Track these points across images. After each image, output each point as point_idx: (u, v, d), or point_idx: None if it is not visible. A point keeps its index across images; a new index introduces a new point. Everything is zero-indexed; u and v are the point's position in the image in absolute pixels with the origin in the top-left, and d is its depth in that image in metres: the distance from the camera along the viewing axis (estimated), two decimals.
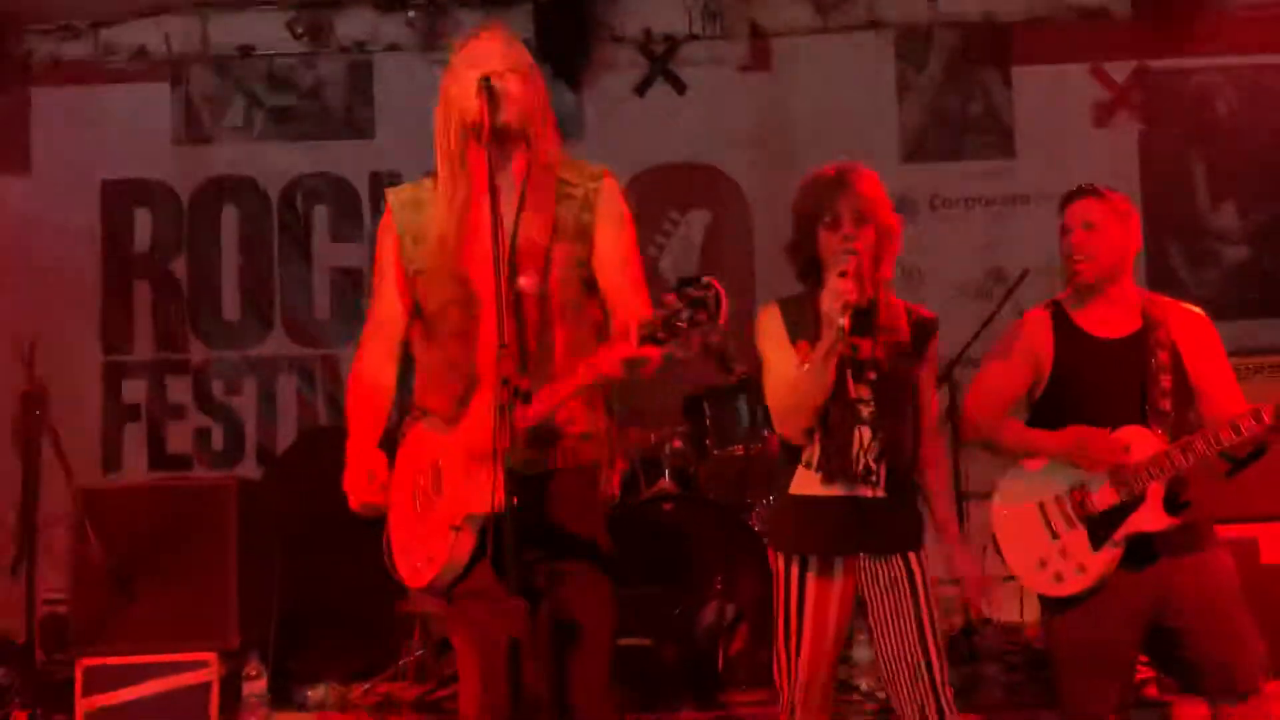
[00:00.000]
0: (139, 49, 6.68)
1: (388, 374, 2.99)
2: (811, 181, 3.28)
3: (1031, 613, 4.47)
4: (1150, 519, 3.37)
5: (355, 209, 6.76)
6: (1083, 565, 3.41)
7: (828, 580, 3.16)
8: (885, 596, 3.16)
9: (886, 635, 3.16)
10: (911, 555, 3.18)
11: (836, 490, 3.14)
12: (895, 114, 6.62)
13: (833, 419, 3.14)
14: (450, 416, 2.82)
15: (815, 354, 3.07)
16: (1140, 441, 3.40)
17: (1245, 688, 3.36)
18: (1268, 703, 3.44)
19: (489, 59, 2.85)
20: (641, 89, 6.65)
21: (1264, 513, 4.48)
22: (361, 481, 2.83)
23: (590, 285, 2.91)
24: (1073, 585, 3.41)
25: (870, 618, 3.19)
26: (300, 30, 6.67)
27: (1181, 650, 3.40)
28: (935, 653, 3.14)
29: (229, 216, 6.80)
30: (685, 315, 2.46)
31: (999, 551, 3.55)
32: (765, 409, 4.94)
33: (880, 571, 3.16)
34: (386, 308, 2.97)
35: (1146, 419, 3.42)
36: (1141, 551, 3.39)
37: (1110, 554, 3.38)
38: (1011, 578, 3.60)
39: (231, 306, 6.78)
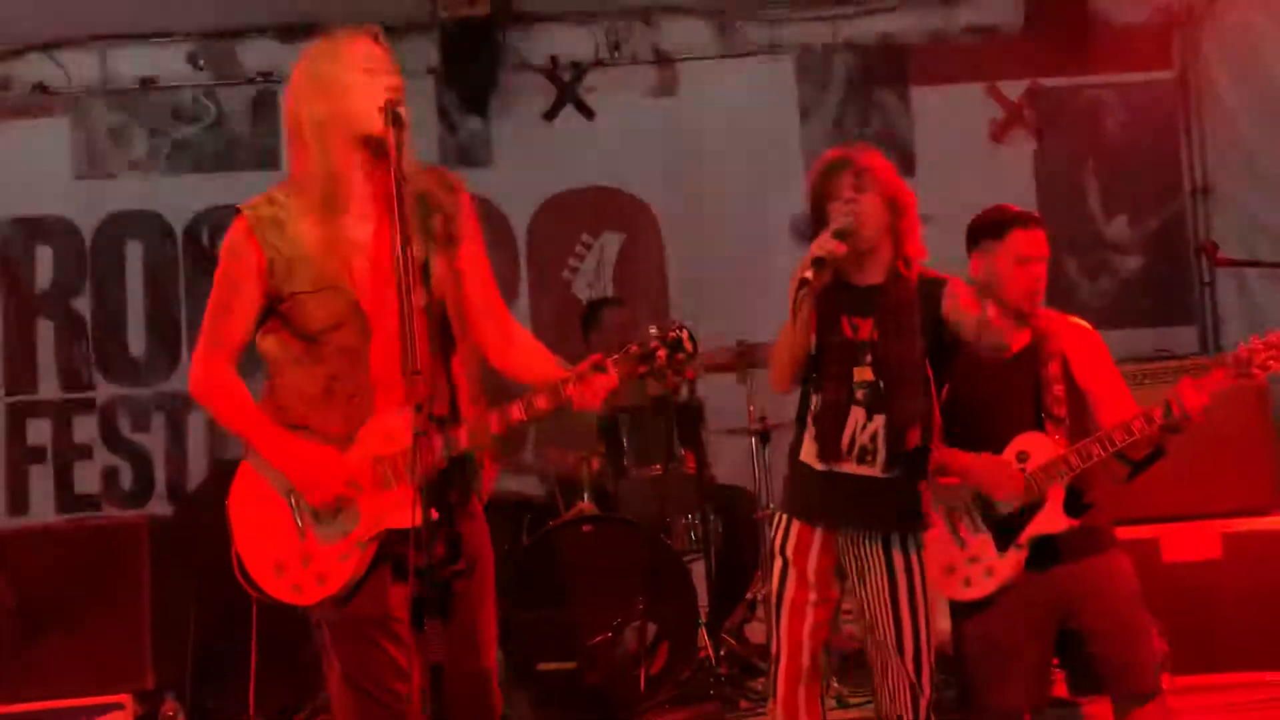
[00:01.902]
0: (36, 84, 6.57)
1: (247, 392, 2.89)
2: (816, 165, 3.38)
3: (943, 620, 4.55)
4: (1051, 521, 3.48)
5: None
6: (990, 569, 3.51)
7: (808, 536, 3.26)
8: (866, 578, 3.24)
9: (867, 618, 3.26)
10: (896, 540, 3.24)
11: (829, 465, 3.22)
12: (798, 134, 6.74)
13: (827, 396, 3.22)
14: (341, 435, 2.79)
15: (795, 308, 3.13)
16: (1038, 447, 3.52)
17: (1145, 688, 3.48)
18: (1169, 700, 3.56)
19: (388, 74, 2.79)
20: (550, 115, 6.70)
21: (1165, 513, 4.61)
22: (336, 474, 2.75)
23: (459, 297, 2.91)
24: (981, 589, 3.51)
25: (851, 594, 3.29)
26: (202, 62, 6.61)
27: (1084, 652, 3.51)
28: (911, 645, 3.21)
29: (133, 251, 6.70)
30: (665, 355, 2.71)
31: None
32: (682, 428, 5.03)
33: (863, 550, 3.24)
34: (236, 328, 2.84)
35: (1043, 426, 3.55)
36: (1044, 554, 3.50)
37: (1015, 557, 3.49)
38: None
39: (137, 342, 6.67)
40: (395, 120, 2.74)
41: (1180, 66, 6.70)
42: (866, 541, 3.24)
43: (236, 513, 2.85)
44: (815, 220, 3.31)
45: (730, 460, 5.34)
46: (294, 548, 2.80)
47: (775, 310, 6.49)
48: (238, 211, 2.87)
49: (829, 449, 3.21)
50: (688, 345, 2.73)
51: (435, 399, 2.69)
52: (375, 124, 2.75)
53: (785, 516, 3.33)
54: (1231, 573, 4.54)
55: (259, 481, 2.84)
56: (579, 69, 6.71)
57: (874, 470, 3.20)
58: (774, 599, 3.32)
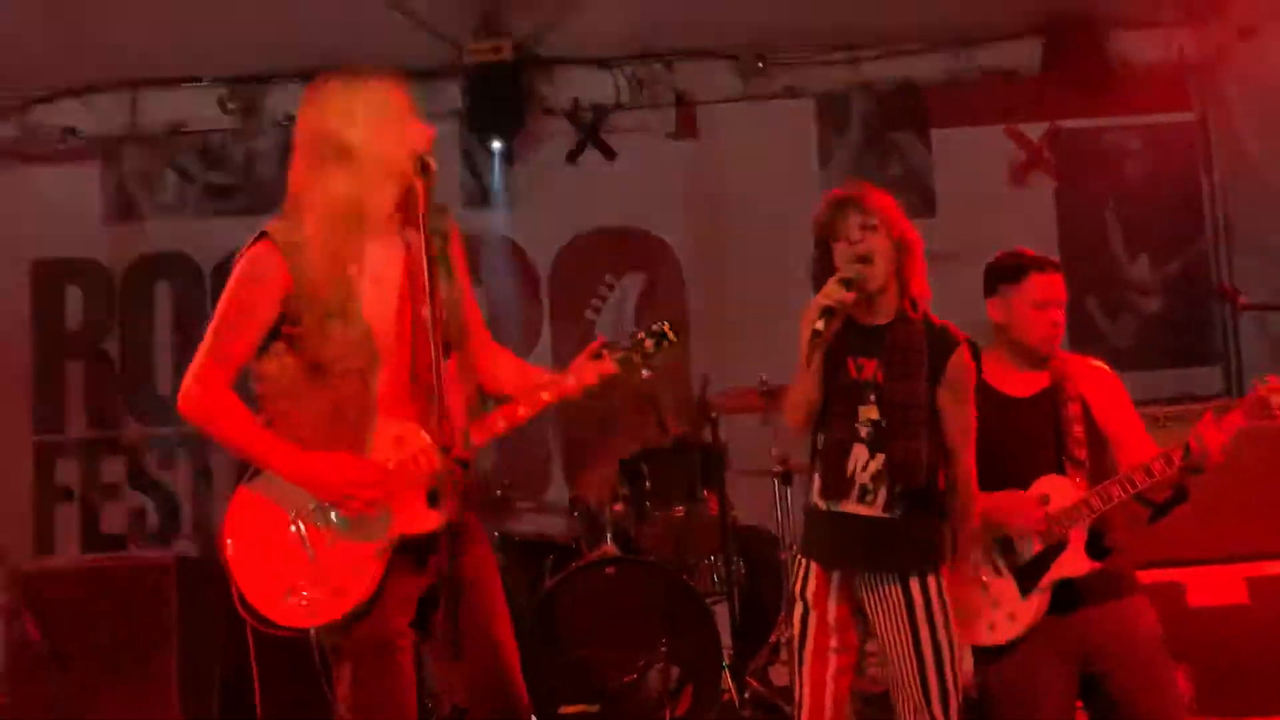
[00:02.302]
0: (68, 129, 6.68)
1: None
2: (823, 203, 3.30)
3: (967, 664, 4.54)
4: (1073, 564, 3.48)
5: None
6: (1013, 614, 3.50)
7: (825, 580, 3.23)
8: (884, 621, 3.17)
9: (890, 661, 3.18)
10: (913, 581, 3.15)
11: (833, 505, 3.20)
12: (818, 177, 6.78)
13: (831, 435, 3.20)
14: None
15: (806, 355, 3.13)
16: (1059, 490, 3.53)
17: None
18: None
19: (423, 122, 2.91)
20: (573, 157, 6.76)
21: (1190, 557, 4.59)
22: (366, 476, 2.80)
23: (459, 330, 3.01)
24: (1004, 633, 3.50)
25: (873, 634, 3.23)
26: (231, 106, 6.71)
27: (1108, 696, 3.49)
28: (937, 687, 3.14)
29: (162, 293, 6.79)
30: (651, 342, 2.96)
31: None
32: (704, 469, 5.05)
33: (879, 593, 3.18)
34: (243, 347, 2.86)
35: (1064, 468, 3.55)
36: (1067, 598, 3.49)
37: (1038, 601, 3.48)
38: None
39: (165, 383, 6.73)
40: (424, 169, 2.84)
41: (1200, 108, 6.73)
42: (883, 584, 3.18)
43: (235, 546, 2.86)
44: (820, 258, 3.26)
45: (753, 502, 5.34)
46: (303, 569, 2.83)
47: (795, 351, 6.58)
48: (263, 234, 2.90)
49: (829, 486, 3.19)
50: (670, 336, 3.05)
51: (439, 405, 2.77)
52: (407, 165, 2.85)
53: (804, 560, 3.30)
54: (1257, 617, 4.50)
55: (256, 510, 2.87)
56: (601, 111, 6.78)
57: (875, 510, 3.16)
58: (796, 644, 3.29)
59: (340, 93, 2.92)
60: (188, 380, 2.90)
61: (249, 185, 6.80)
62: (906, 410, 3.15)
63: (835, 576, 3.22)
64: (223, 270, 6.57)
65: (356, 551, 2.82)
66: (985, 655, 3.54)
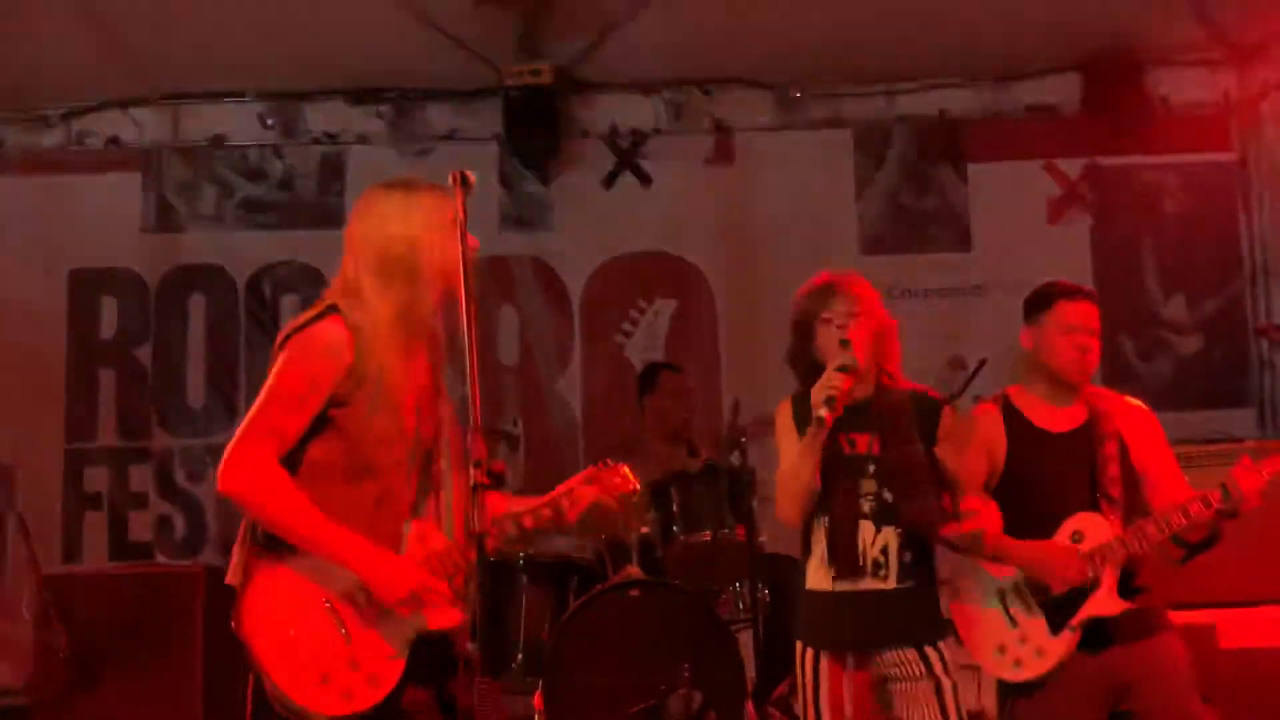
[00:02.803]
0: (111, 139, 6.76)
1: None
2: (806, 290, 3.45)
3: (989, 699, 4.50)
4: (1105, 604, 3.45)
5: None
6: (1041, 650, 3.47)
7: (840, 669, 3.23)
8: (905, 690, 3.21)
9: None
10: (929, 650, 3.23)
11: (845, 585, 3.23)
12: (854, 207, 6.79)
13: (836, 515, 3.25)
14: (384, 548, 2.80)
15: (802, 441, 3.23)
16: (1093, 528, 3.50)
17: None
18: None
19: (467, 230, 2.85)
20: (609, 181, 6.78)
21: (1222, 598, 4.55)
22: (412, 573, 2.77)
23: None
24: (1032, 670, 3.47)
25: (895, 710, 3.23)
26: (271, 122, 6.77)
27: None
28: None
29: (196, 304, 6.83)
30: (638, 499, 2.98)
31: (958, 638, 3.60)
32: (732, 495, 5.03)
33: (898, 664, 3.22)
34: (298, 424, 2.75)
35: (1098, 506, 3.52)
36: (1098, 636, 3.46)
37: (1068, 639, 3.45)
38: (971, 665, 3.65)
39: (196, 394, 6.78)
40: (464, 182, 2.81)
41: (1241, 148, 6.70)
42: (904, 657, 3.23)
43: (262, 633, 2.73)
44: (799, 339, 3.42)
45: (780, 529, 5.31)
46: (340, 654, 2.74)
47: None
48: (332, 308, 2.83)
49: (847, 566, 3.23)
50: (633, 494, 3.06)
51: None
52: (456, 278, 2.78)
53: (812, 653, 3.30)
54: None
55: (282, 595, 2.75)
56: (638, 136, 6.81)
57: (889, 583, 3.23)
58: None
59: (411, 198, 2.93)
60: (234, 453, 2.73)
61: (285, 200, 6.85)
62: (909, 473, 3.25)
63: (850, 661, 3.23)
64: (256, 283, 6.78)
65: (388, 639, 2.79)
66: (1013, 690, 3.51)
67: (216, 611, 4.75)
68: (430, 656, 2.83)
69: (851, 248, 6.74)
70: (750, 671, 4.89)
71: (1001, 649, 3.51)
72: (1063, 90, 6.70)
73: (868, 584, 3.21)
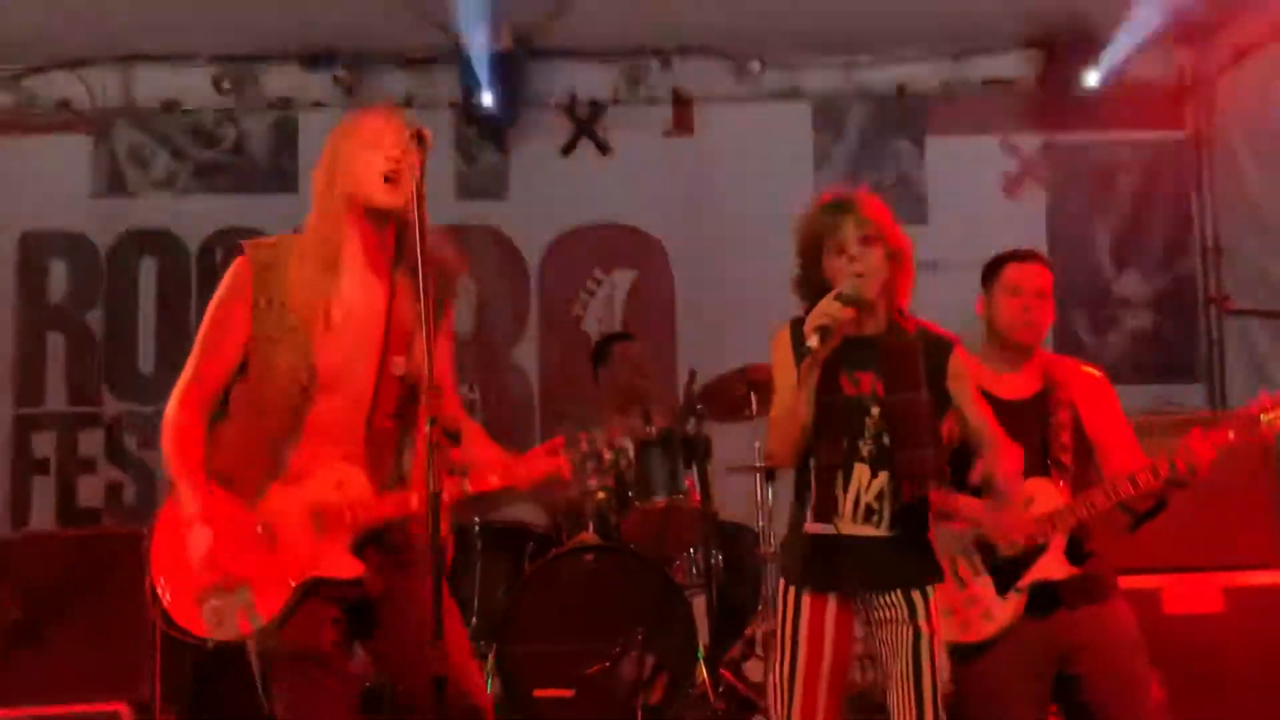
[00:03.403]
0: (62, 101, 6.65)
1: (203, 433, 2.96)
2: (815, 208, 3.15)
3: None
4: (1053, 568, 3.49)
5: None
6: (989, 612, 3.51)
7: (822, 605, 3.08)
8: (885, 632, 3.07)
9: (887, 677, 3.08)
10: (915, 593, 3.07)
11: (834, 529, 3.05)
12: (813, 179, 6.78)
13: (826, 458, 3.05)
14: (254, 492, 2.88)
15: (798, 374, 3.01)
16: (1044, 494, 3.54)
17: None
18: None
19: (386, 144, 2.94)
20: (567, 150, 6.76)
21: (1167, 564, 4.61)
22: (208, 568, 2.84)
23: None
24: (980, 631, 3.51)
25: (870, 654, 3.20)
26: (225, 85, 6.68)
27: (1083, 697, 3.50)
28: (931, 708, 3.03)
29: (147, 269, 6.75)
30: (610, 455, 2.92)
31: None
32: (687, 462, 5.05)
33: (880, 607, 3.08)
34: (217, 368, 2.93)
35: (1049, 473, 3.56)
36: (1045, 600, 3.50)
37: (1015, 601, 3.49)
38: None
39: (147, 359, 6.71)
40: (419, 139, 2.85)
41: (1194, 126, 6.77)
42: (888, 602, 3.07)
43: (159, 552, 2.96)
44: (807, 265, 3.13)
45: (735, 497, 5.34)
46: (212, 578, 2.88)
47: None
48: (241, 249, 2.96)
49: (830, 509, 3.05)
50: (629, 455, 2.99)
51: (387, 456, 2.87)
52: (375, 196, 2.90)
53: (793, 589, 3.12)
54: (1232, 626, 4.53)
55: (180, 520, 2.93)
56: (597, 106, 6.78)
57: (881, 530, 3.06)
58: (785, 677, 3.09)
59: (330, 135, 3.03)
60: (172, 393, 2.97)
61: (239, 165, 6.78)
62: (911, 421, 3.05)
63: (832, 601, 3.08)
64: (208, 248, 6.70)
65: (275, 575, 2.87)
66: (961, 652, 3.54)
67: None
68: (326, 601, 2.85)
69: None
70: (704, 636, 4.92)
71: (950, 611, 3.53)
72: (1020, 66, 6.74)
73: (860, 529, 3.04)
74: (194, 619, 2.86)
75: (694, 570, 5.18)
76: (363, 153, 2.92)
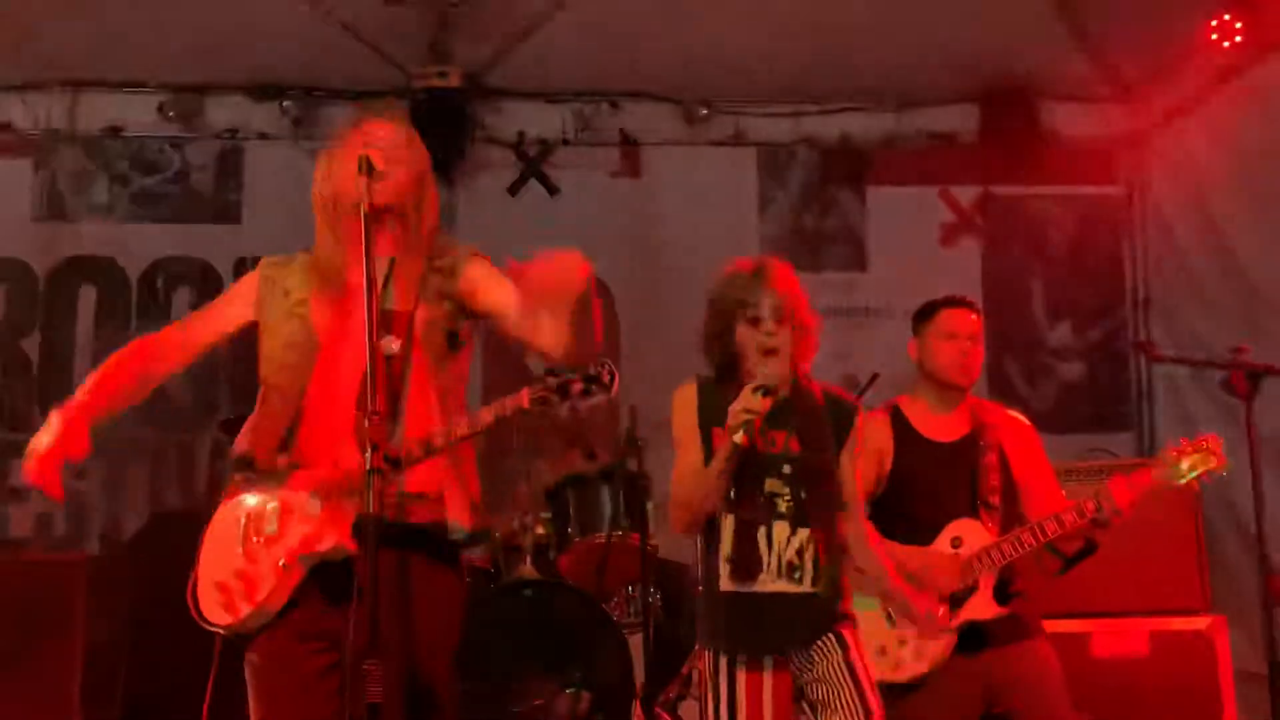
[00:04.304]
0: (3, 123, 6.57)
1: (158, 367, 3.15)
2: (731, 275, 3.21)
3: None
4: (982, 607, 3.57)
5: (217, 293, 6.59)
6: (919, 651, 3.58)
7: (758, 675, 3.02)
8: (820, 670, 3.02)
9: (828, 708, 3.00)
10: (844, 629, 3.06)
11: (757, 588, 3.02)
12: (757, 224, 6.89)
13: (745, 515, 3.05)
14: (269, 468, 2.94)
15: (714, 459, 3.03)
16: (972, 534, 3.62)
17: None
18: None
19: (374, 140, 3.00)
20: (514, 189, 6.80)
21: (1095, 609, 4.70)
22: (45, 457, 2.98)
23: (452, 341, 3.05)
24: (910, 670, 3.57)
25: (809, 700, 3.05)
26: (171, 114, 6.65)
27: None
28: (873, 695, 3.02)
29: (86, 296, 6.67)
30: (579, 387, 2.78)
31: None
32: (627, 500, 5.07)
33: (812, 656, 3.04)
34: (199, 322, 3.18)
35: (978, 513, 3.64)
36: (974, 639, 3.57)
37: (945, 641, 3.55)
38: None
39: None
40: (368, 170, 2.92)
41: (1127, 183, 6.94)
42: (820, 647, 3.04)
43: (206, 541, 3.00)
44: (716, 326, 3.19)
45: (674, 535, 5.35)
46: (234, 564, 2.90)
47: None
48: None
49: (749, 567, 3.01)
50: (605, 379, 2.82)
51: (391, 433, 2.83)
52: (354, 192, 2.93)
53: (726, 660, 3.05)
54: (1157, 670, 4.63)
55: (224, 512, 2.99)
56: (545, 146, 6.82)
57: (804, 586, 3.03)
58: None
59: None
60: None
61: (182, 194, 6.72)
62: (824, 478, 3.10)
63: (768, 670, 3.02)
64: (149, 277, 6.63)
65: (270, 564, 2.87)
66: (891, 692, 3.58)
67: (99, 602, 4.66)
68: (334, 584, 2.81)
69: None
70: (640, 675, 4.92)
71: (882, 650, 3.59)
72: (960, 120, 6.88)
73: (779, 585, 3.01)
74: (210, 605, 2.90)
75: (632, 608, 5.19)
76: (349, 153, 2.98)
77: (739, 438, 2.97)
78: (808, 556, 3.04)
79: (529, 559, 4.90)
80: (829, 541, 3.06)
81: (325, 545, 2.83)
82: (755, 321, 3.12)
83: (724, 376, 3.20)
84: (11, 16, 5.84)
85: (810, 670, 3.04)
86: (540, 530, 4.93)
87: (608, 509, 4.96)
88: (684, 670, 5.10)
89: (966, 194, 6.98)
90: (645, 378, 6.54)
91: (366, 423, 2.67)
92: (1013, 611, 3.60)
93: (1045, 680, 3.58)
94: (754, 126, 6.93)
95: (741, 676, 3.02)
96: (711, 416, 3.10)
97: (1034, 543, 3.58)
